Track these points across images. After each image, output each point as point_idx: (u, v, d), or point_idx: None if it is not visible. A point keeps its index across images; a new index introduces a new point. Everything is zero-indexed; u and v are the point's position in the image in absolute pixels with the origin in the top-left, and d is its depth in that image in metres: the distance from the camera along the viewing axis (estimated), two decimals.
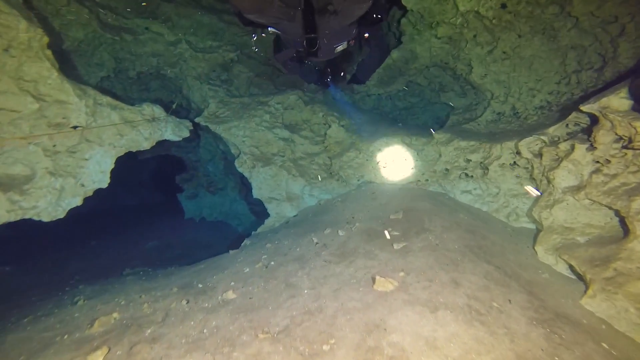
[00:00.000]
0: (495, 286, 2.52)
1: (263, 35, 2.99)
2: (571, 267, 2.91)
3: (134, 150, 4.10)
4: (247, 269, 3.51)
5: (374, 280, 2.61)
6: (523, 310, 2.31)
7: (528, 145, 3.50)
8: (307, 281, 2.93)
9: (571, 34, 3.78)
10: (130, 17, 4.74)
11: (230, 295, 3.00)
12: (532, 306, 2.36)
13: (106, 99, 3.73)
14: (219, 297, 3.02)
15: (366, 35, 3.21)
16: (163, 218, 9.13)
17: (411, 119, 6.65)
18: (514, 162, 3.83)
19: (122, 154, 4.01)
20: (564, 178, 3.09)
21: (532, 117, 4.32)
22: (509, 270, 2.81)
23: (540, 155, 3.39)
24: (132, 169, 10.54)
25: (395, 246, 3.08)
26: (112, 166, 3.86)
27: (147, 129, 4.12)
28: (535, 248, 3.15)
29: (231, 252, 4.35)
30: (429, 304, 2.31)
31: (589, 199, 2.87)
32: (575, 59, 3.89)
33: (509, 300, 2.38)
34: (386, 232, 3.40)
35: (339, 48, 3.05)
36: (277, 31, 2.77)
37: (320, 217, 4.41)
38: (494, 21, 4.04)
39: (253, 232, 4.98)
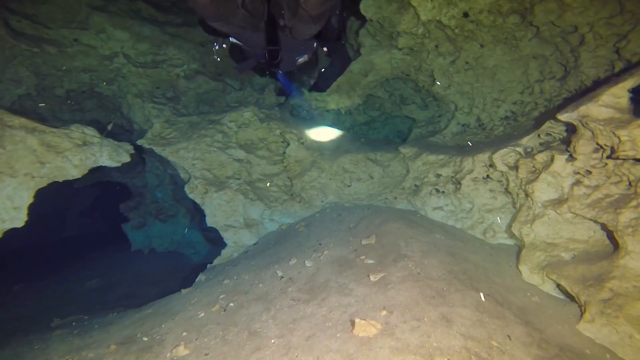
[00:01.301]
0: (490, 319, 2.22)
1: (224, 46, 2.85)
2: (559, 286, 2.70)
3: (59, 180, 3.47)
4: (202, 314, 2.99)
5: (353, 323, 2.21)
6: (526, 347, 2.01)
7: (502, 157, 3.31)
8: (274, 327, 2.48)
9: (532, 44, 3.71)
10: (53, 27, 4.12)
11: (182, 351, 2.49)
12: (533, 341, 2.07)
13: (19, 121, 3.11)
14: (168, 355, 2.49)
15: (325, 49, 3.13)
16: (106, 251, 8.15)
17: (372, 133, 6.45)
18: (487, 175, 3.64)
19: (44, 185, 3.37)
20: (543, 191, 2.91)
21: (497, 127, 4.21)
22: (499, 297, 2.53)
23: (516, 167, 3.21)
24: (71, 197, 9.51)
25: (372, 277, 2.71)
26: (30, 200, 3.21)
27: (77, 154, 3.52)
28: (519, 267, 2.92)
29: (183, 291, 3.79)
30: (421, 350, 1.94)
31: (572, 213, 2.69)
32: (537, 68, 3.82)
33: (509, 337, 2.08)
34: (358, 260, 3.04)
35: (300, 60, 2.97)
36: (238, 42, 2.70)
37: (283, 244, 3.97)
38: (456, 31, 3.90)
39: (209, 265, 4.43)
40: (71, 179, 3.49)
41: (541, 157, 2.95)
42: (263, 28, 2.47)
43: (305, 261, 3.30)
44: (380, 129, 6.33)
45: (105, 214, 9.61)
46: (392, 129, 6.33)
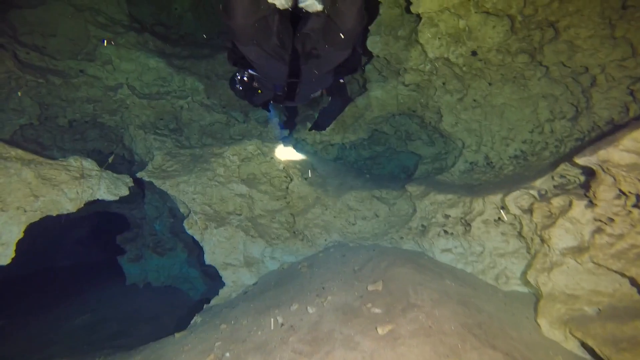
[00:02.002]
0: None
1: (245, 78, 2.97)
2: (583, 344, 2.48)
3: (53, 214, 3.34)
4: None
5: None
6: None
7: (515, 200, 3.16)
8: None
9: (542, 83, 3.66)
10: (60, 58, 4.12)
11: None
12: None
13: (15, 152, 3.01)
14: None
15: (341, 81, 3.31)
16: (100, 283, 7.86)
17: (376, 168, 6.35)
18: (499, 217, 3.48)
19: (37, 219, 3.24)
20: (561, 238, 2.74)
21: (507, 167, 4.09)
22: (519, 355, 2.31)
23: (530, 211, 3.05)
24: (68, 225, 9.33)
25: (380, 330, 2.50)
26: (20, 236, 3.06)
27: (73, 187, 3.40)
28: (538, 320, 2.70)
29: (177, 335, 3.55)
30: None
31: (595, 263, 2.51)
32: (547, 107, 3.75)
33: None
34: (365, 308, 2.83)
35: (314, 95, 3.13)
36: (257, 74, 2.81)
37: (284, 286, 3.76)
38: (464, 68, 3.86)
39: (205, 306, 4.20)
40: (65, 212, 3.35)
41: (557, 202, 2.81)
42: (288, 60, 2.55)
43: (308, 307, 3.09)
44: (385, 164, 6.23)
45: (102, 244, 9.39)
46: (397, 164, 6.22)
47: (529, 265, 3.07)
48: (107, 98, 4.58)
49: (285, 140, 4.65)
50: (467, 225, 3.70)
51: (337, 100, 3.84)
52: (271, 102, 3.42)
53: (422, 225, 4.11)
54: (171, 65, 4.87)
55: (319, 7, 2.33)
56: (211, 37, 6.02)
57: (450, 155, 4.96)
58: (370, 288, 3.13)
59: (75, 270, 9.34)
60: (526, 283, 3.17)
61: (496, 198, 3.41)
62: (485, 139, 4.29)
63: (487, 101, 4.08)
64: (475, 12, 3.36)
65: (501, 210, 3.41)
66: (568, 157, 3.03)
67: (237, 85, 2.95)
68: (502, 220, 3.44)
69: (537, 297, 2.99)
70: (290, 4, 2.35)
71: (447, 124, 4.44)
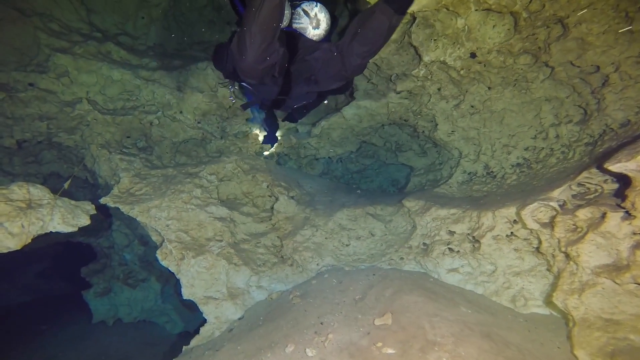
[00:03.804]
0: None
1: (236, 88, 3.24)
2: None
3: None
4: None
5: None
6: None
7: (532, 213, 2.84)
8: None
9: (545, 86, 3.41)
10: (3, 69, 3.57)
11: None
12: None
13: None
14: None
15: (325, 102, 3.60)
16: (62, 321, 7.00)
17: (364, 182, 6.00)
18: (511, 232, 3.15)
19: None
20: (592, 255, 2.42)
21: (510, 176, 3.81)
22: None
23: (550, 225, 2.73)
24: (28, 258, 8.45)
25: None
26: None
27: (17, 220, 2.83)
28: (575, 353, 2.35)
29: None
30: None
31: (639, 284, 2.20)
32: (551, 112, 3.50)
33: None
34: (374, 348, 2.41)
35: (298, 105, 3.20)
36: (249, 87, 2.89)
37: (275, 321, 3.28)
38: (462, 72, 3.58)
39: (185, 348, 3.65)
40: (6, 251, 2.78)
41: (584, 214, 2.50)
42: (280, 83, 2.65)
43: (307, 349, 2.64)
44: (373, 178, 5.89)
45: (66, 276, 8.53)
46: (386, 177, 5.89)
47: (554, 286, 2.73)
48: (63, 114, 4.03)
49: (267, 140, 4.28)
50: (476, 242, 3.36)
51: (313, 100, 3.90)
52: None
53: (424, 244, 3.74)
54: (138, 77, 4.38)
55: (314, 32, 2.58)
56: (182, 48, 5.58)
57: (446, 165, 4.66)
58: (377, 322, 2.71)
59: (34, 307, 8.40)
60: (550, 305, 2.84)
61: (508, 211, 3.09)
62: (485, 147, 4.01)
63: (486, 107, 3.81)
64: (476, 10, 3.09)
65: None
66: (589, 164, 2.74)
67: (231, 98, 3.23)
68: (516, 236, 3.12)
69: (565, 321, 2.66)
70: (287, 22, 2.52)
71: (443, 132, 4.15)
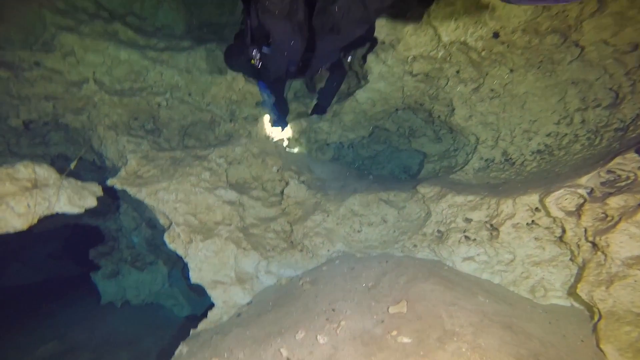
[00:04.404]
0: None
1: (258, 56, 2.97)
2: None
3: None
4: None
5: None
6: None
7: (557, 201, 2.70)
8: None
9: (573, 67, 3.23)
10: (8, 48, 3.47)
11: None
12: None
13: None
14: None
15: (349, 58, 3.61)
16: (71, 302, 7.06)
17: (375, 168, 5.86)
18: (532, 221, 3.02)
19: None
20: (623, 245, 2.29)
21: (530, 163, 3.66)
22: None
23: (577, 214, 2.60)
24: (37, 238, 8.53)
25: None
26: None
27: (23, 200, 2.77)
28: (602, 347, 2.24)
29: None
30: None
31: None
32: (577, 95, 3.33)
33: None
34: (389, 337, 2.32)
35: (323, 67, 3.30)
36: (271, 53, 2.85)
37: (285, 307, 3.21)
38: (482, 53, 3.41)
39: (192, 331, 3.61)
40: (13, 231, 2.72)
41: (616, 202, 2.36)
42: (306, 35, 2.62)
43: (318, 335, 2.56)
44: (385, 164, 5.75)
45: (76, 259, 8.59)
46: (397, 163, 5.75)
47: (578, 277, 2.61)
48: (70, 95, 3.93)
49: (277, 123, 4.24)
50: (494, 230, 3.24)
51: (334, 75, 3.90)
52: (268, 87, 3.63)
53: (439, 231, 3.63)
54: (146, 58, 4.26)
55: None
56: (191, 30, 5.43)
57: (461, 152, 4.51)
58: (392, 310, 2.62)
59: (46, 287, 8.50)
60: (573, 296, 2.72)
61: (530, 199, 2.95)
62: (504, 133, 3.85)
63: (506, 90, 3.65)
64: None
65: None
66: (620, 150, 2.59)
67: (256, 62, 3.00)
68: (537, 224, 2.98)
69: (590, 314, 2.55)
70: None
71: (460, 117, 3.99)
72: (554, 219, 2.81)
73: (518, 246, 3.08)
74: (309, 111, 4.86)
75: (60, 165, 4.84)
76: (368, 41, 3.48)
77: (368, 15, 2.52)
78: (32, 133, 4.27)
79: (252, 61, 2.93)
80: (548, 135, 3.59)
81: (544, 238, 2.99)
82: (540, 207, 2.89)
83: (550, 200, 2.72)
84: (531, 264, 3.02)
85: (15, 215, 2.67)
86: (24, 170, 2.80)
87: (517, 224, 3.07)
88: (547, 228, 2.96)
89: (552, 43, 3.14)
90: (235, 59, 3.56)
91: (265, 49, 2.82)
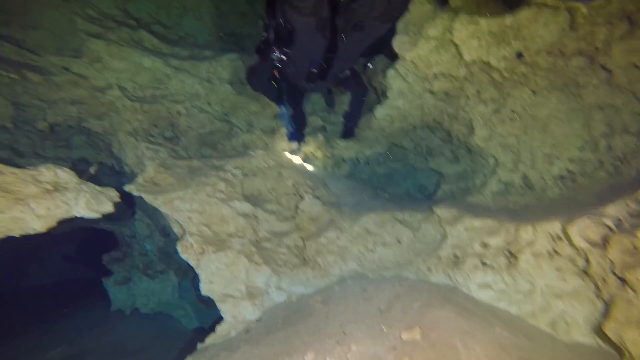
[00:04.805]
0: None
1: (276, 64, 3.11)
2: None
3: (15, 234, 2.74)
4: None
5: None
6: None
7: (582, 230, 2.59)
8: None
9: (599, 92, 3.14)
10: (42, 54, 3.58)
11: None
12: None
13: None
14: None
15: (370, 65, 3.73)
16: (84, 307, 7.10)
17: (391, 186, 5.78)
18: (553, 249, 2.90)
19: None
20: None
21: (551, 188, 3.55)
22: None
23: (603, 245, 2.48)
24: (54, 240, 8.66)
25: None
26: None
27: (43, 202, 2.81)
28: None
29: None
30: None
31: None
32: (603, 120, 3.23)
33: None
34: None
35: (342, 75, 3.37)
36: (292, 55, 2.91)
37: (294, 326, 3.14)
38: (505, 74, 3.35)
39: (199, 345, 3.56)
40: (32, 233, 2.75)
41: None
42: (328, 35, 2.66)
43: (327, 358, 2.49)
44: (400, 182, 5.67)
45: (89, 261, 8.69)
46: (413, 183, 5.66)
47: (606, 315, 2.48)
48: (94, 100, 4.03)
49: (294, 137, 4.28)
50: (512, 257, 3.12)
51: (357, 94, 4.00)
52: (284, 100, 3.75)
53: (455, 255, 3.52)
54: (169, 66, 4.35)
55: None
56: (214, 40, 5.54)
57: (479, 174, 4.40)
58: (404, 336, 2.53)
59: (59, 289, 8.59)
60: (599, 335, 2.58)
61: (551, 226, 2.85)
62: (524, 156, 3.75)
63: (528, 113, 3.56)
64: (528, 6, 2.86)
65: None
66: None
67: (263, 74, 3.14)
68: (559, 254, 2.86)
69: (620, 357, 2.40)
70: None
71: (480, 137, 3.92)
72: (577, 250, 2.70)
73: (538, 276, 2.95)
74: (326, 126, 4.87)
75: (81, 168, 4.94)
76: (389, 45, 3.46)
77: (392, 11, 2.54)
78: (57, 136, 4.38)
79: (274, 82, 3.10)
80: (571, 160, 3.48)
81: (565, 269, 2.86)
82: (562, 235, 2.78)
83: (573, 229, 2.61)
84: (552, 296, 2.89)
85: (35, 217, 2.70)
86: (47, 173, 2.84)
87: (537, 251, 2.96)
88: (569, 258, 2.83)
89: (577, 65, 3.07)
90: (257, 79, 3.60)
91: (287, 50, 2.88)
